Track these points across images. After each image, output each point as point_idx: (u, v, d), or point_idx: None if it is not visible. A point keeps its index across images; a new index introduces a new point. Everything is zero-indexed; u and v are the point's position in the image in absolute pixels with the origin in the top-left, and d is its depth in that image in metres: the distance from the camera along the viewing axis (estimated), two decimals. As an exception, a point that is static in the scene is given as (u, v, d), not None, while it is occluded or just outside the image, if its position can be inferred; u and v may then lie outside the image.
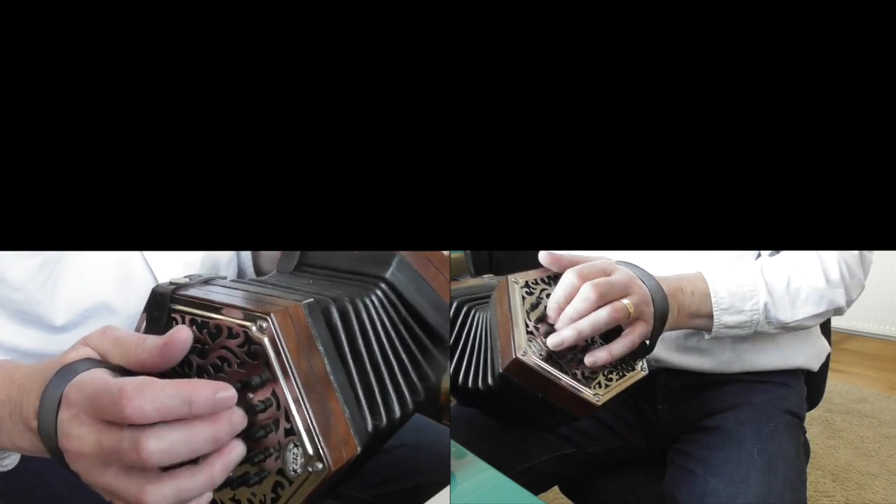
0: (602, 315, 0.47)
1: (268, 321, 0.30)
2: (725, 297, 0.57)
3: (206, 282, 0.36)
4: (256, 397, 0.31)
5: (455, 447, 0.54)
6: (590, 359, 0.48)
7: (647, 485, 0.71)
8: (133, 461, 0.27)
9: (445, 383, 0.50)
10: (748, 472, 0.58)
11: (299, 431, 0.30)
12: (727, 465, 0.59)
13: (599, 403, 0.46)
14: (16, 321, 0.45)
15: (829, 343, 0.73)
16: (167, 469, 0.28)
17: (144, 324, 0.34)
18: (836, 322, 0.77)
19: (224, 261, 0.58)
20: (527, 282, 0.51)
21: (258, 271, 0.64)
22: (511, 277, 0.50)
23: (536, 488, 0.70)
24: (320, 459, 0.30)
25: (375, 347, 0.39)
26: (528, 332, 0.47)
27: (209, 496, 0.30)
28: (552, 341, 0.46)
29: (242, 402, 0.30)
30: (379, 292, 0.41)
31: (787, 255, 0.61)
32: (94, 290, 0.47)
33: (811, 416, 0.76)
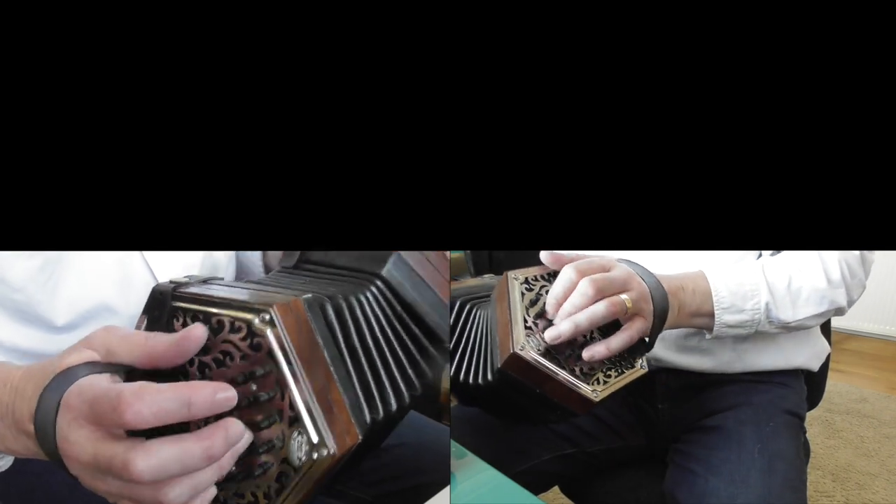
0: (599, 308, 0.47)
1: (270, 313, 0.31)
2: (727, 297, 0.57)
3: (205, 282, 0.37)
4: (260, 388, 0.31)
5: (455, 447, 0.54)
6: (587, 353, 0.48)
7: (648, 485, 0.71)
8: (125, 480, 0.27)
9: (445, 383, 0.50)
10: (748, 471, 0.58)
11: (303, 419, 0.31)
12: (727, 465, 0.59)
13: (597, 400, 0.46)
14: (16, 321, 0.45)
15: (830, 343, 0.73)
16: None
17: (145, 324, 0.34)
18: (836, 322, 0.77)
19: (224, 263, 0.58)
20: (526, 278, 0.51)
21: (267, 268, 0.64)
22: (511, 274, 0.51)
23: (536, 488, 0.70)
24: (325, 445, 0.30)
25: (370, 342, 0.39)
26: (527, 328, 0.47)
27: (213, 491, 0.30)
28: (549, 335, 0.47)
29: (246, 393, 0.31)
30: (374, 288, 0.41)
31: (788, 255, 0.61)
32: (95, 291, 0.47)
33: (811, 416, 0.76)
